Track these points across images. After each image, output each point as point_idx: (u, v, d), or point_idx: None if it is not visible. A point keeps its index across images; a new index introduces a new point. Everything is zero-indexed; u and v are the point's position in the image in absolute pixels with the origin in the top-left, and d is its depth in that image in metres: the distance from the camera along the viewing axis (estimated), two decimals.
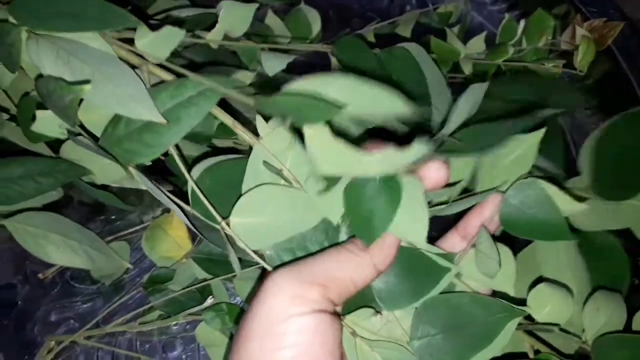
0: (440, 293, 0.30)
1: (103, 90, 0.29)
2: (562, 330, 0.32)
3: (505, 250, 0.32)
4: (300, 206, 0.30)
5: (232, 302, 0.42)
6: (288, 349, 0.25)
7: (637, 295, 0.37)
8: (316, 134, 0.26)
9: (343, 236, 0.31)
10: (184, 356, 0.43)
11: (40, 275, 0.46)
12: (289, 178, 0.30)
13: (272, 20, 0.54)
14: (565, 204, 0.30)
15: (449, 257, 0.31)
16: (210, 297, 0.41)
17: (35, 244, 0.38)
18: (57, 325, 0.45)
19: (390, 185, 0.28)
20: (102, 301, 0.45)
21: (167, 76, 0.32)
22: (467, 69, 0.54)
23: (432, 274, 0.30)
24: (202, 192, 0.31)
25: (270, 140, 0.30)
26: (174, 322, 0.42)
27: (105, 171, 0.37)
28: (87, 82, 0.29)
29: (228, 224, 0.30)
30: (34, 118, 0.33)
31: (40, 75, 0.32)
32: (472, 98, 0.31)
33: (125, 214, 0.48)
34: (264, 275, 0.31)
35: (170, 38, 0.34)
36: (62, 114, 0.30)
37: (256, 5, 0.41)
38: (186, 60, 0.43)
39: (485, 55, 0.52)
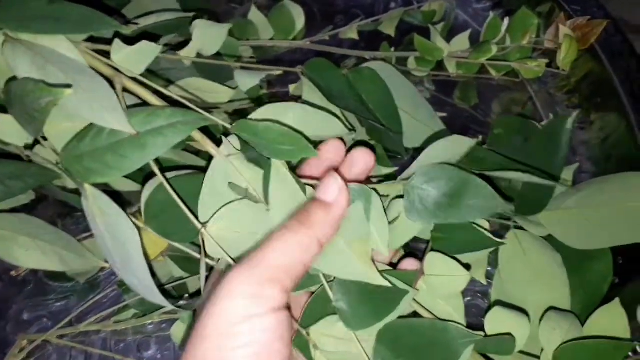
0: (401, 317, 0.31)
1: (76, 98, 0.29)
2: (521, 352, 0.32)
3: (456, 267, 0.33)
4: (265, 227, 0.30)
5: None
6: (246, 348, 0.25)
7: (615, 294, 0.37)
8: (279, 171, 0.29)
9: None
10: (159, 355, 0.42)
11: (13, 273, 0.45)
12: (255, 196, 0.30)
13: (255, 16, 0.53)
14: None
15: (409, 275, 0.32)
16: (186, 295, 0.40)
17: (3, 248, 0.37)
18: (30, 324, 0.44)
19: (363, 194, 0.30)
20: (77, 299, 0.44)
21: (141, 90, 0.32)
22: (451, 67, 0.54)
23: (392, 296, 0.30)
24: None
25: (237, 159, 0.30)
26: (149, 321, 0.42)
27: None
28: (68, 86, 0.28)
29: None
30: None
31: (13, 78, 0.31)
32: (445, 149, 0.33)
33: None
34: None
35: (145, 53, 0.34)
36: (30, 120, 0.29)
37: (229, 25, 0.42)
38: (164, 76, 0.43)
39: (469, 54, 0.52)
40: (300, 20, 0.55)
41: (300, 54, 0.54)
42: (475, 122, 0.52)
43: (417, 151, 0.43)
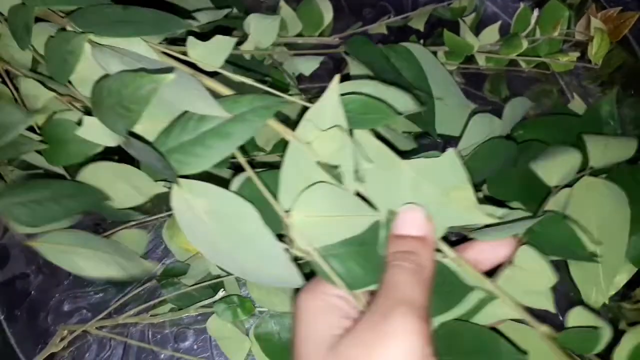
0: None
1: (169, 91, 0.29)
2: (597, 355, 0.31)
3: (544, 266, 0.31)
4: (353, 208, 0.30)
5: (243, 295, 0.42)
6: None
7: None
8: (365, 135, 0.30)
9: (383, 233, 0.30)
10: (195, 346, 0.43)
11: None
12: (343, 177, 0.30)
13: (284, 11, 0.53)
14: None
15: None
16: (222, 290, 0.41)
17: (69, 261, 0.39)
18: (70, 315, 0.45)
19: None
20: (114, 291, 0.45)
21: (219, 87, 0.32)
22: (481, 60, 0.53)
23: (456, 291, 0.30)
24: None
25: (320, 143, 0.30)
26: (186, 314, 0.43)
27: (124, 196, 0.39)
28: (169, 70, 0.28)
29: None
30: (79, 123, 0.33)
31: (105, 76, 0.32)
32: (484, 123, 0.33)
33: None
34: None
35: (221, 47, 0.34)
36: (123, 114, 0.29)
37: (279, 17, 0.43)
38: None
39: (499, 48, 0.52)
40: (328, 15, 0.55)
41: (328, 48, 0.54)
42: None
43: (441, 137, 0.44)
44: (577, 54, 0.52)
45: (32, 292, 0.46)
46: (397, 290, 0.27)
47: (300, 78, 0.51)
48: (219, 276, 0.42)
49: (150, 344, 0.43)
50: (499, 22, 0.53)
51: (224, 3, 0.47)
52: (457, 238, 0.34)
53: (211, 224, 0.30)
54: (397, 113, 0.29)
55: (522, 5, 0.54)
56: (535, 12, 0.52)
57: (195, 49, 0.34)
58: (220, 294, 0.41)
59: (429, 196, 0.30)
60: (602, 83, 0.53)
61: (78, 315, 0.45)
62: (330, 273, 0.29)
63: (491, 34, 0.53)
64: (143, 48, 0.33)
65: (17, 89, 0.38)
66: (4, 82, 0.38)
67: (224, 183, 0.30)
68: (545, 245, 0.32)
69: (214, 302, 0.41)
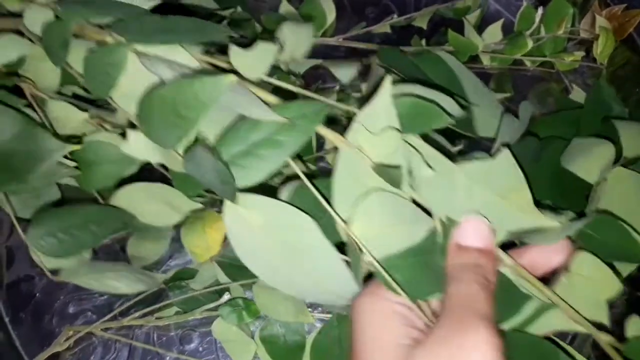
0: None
1: (224, 97, 0.28)
2: None
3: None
4: (411, 216, 0.29)
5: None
6: None
7: None
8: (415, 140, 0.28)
9: (440, 241, 0.29)
10: (200, 349, 0.44)
11: None
12: (401, 181, 0.28)
13: (286, 9, 0.53)
14: None
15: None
16: (227, 293, 0.41)
17: (102, 284, 0.39)
18: (75, 317, 0.45)
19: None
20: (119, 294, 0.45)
21: (266, 96, 0.31)
22: (485, 60, 0.53)
23: (514, 300, 0.29)
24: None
25: (373, 147, 0.28)
26: (191, 317, 0.43)
27: (159, 215, 0.39)
28: (228, 71, 0.27)
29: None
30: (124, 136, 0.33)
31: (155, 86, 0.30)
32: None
33: None
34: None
35: (264, 55, 0.33)
36: (177, 124, 0.28)
37: (312, 24, 0.42)
38: None
39: (504, 47, 0.51)
40: (331, 14, 0.54)
41: (330, 47, 0.54)
42: (513, 114, 0.52)
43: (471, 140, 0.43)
44: (582, 53, 0.51)
45: (37, 294, 0.46)
46: (468, 304, 0.26)
47: (304, 78, 0.51)
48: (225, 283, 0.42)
49: (155, 346, 0.43)
50: (502, 20, 0.53)
51: (228, 3, 0.47)
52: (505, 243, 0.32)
53: (267, 240, 0.29)
54: (448, 115, 0.28)
55: (525, 3, 0.54)
56: (540, 10, 0.52)
57: (238, 58, 0.32)
58: (226, 297, 0.41)
59: (486, 200, 0.28)
60: (607, 81, 0.53)
61: (83, 318, 0.45)
62: (392, 284, 0.28)
63: (494, 32, 0.53)
64: (185, 57, 0.31)
65: (44, 113, 0.37)
66: (31, 106, 0.37)
67: (270, 193, 0.29)
68: (598, 248, 0.30)
69: (219, 305, 0.41)
